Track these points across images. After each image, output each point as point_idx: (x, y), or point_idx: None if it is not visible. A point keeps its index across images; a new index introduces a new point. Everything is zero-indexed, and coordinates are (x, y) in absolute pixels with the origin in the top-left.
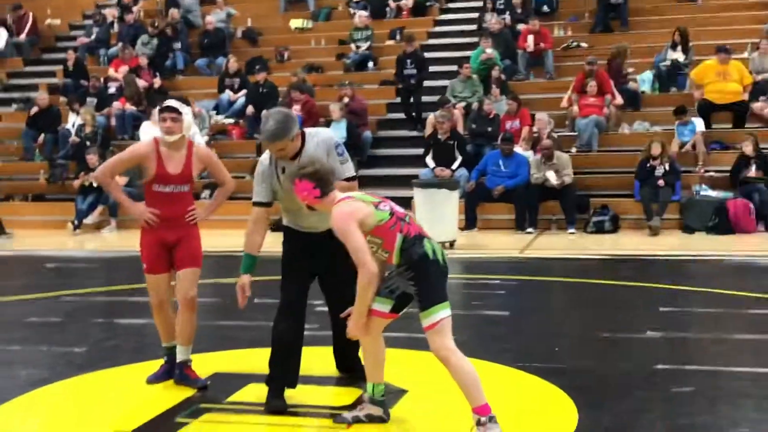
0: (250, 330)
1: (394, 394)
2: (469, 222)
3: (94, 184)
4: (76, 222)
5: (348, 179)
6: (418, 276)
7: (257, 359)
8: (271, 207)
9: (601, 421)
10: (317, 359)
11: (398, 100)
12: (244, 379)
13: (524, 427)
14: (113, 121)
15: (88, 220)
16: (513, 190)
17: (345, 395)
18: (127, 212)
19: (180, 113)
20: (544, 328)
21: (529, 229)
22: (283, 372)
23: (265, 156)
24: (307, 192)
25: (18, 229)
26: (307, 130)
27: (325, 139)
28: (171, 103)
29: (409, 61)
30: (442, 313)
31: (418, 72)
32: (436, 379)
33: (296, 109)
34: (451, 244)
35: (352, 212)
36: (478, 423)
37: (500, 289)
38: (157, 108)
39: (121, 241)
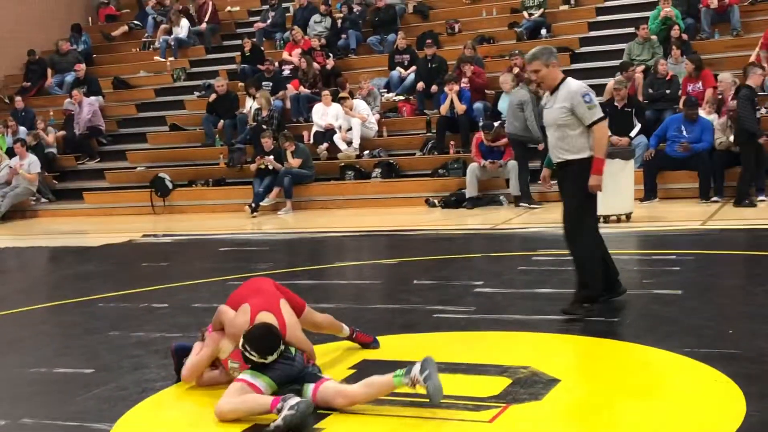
0: (404, 313)
1: (545, 383)
2: (649, 192)
3: (270, 167)
4: (253, 205)
5: (594, 122)
6: None
7: (408, 345)
8: None
9: None
10: (465, 345)
11: (573, 66)
12: (389, 367)
13: (682, 420)
14: (288, 104)
15: (265, 202)
16: (697, 156)
17: (490, 384)
18: None
19: None
20: (719, 309)
21: (715, 198)
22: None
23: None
24: None
25: (200, 213)
26: (569, 79)
27: (573, 91)
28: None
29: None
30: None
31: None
32: (590, 367)
33: (464, 82)
34: (628, 216)
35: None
36: None
37: (676, 265)
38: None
39: (297, 223)
